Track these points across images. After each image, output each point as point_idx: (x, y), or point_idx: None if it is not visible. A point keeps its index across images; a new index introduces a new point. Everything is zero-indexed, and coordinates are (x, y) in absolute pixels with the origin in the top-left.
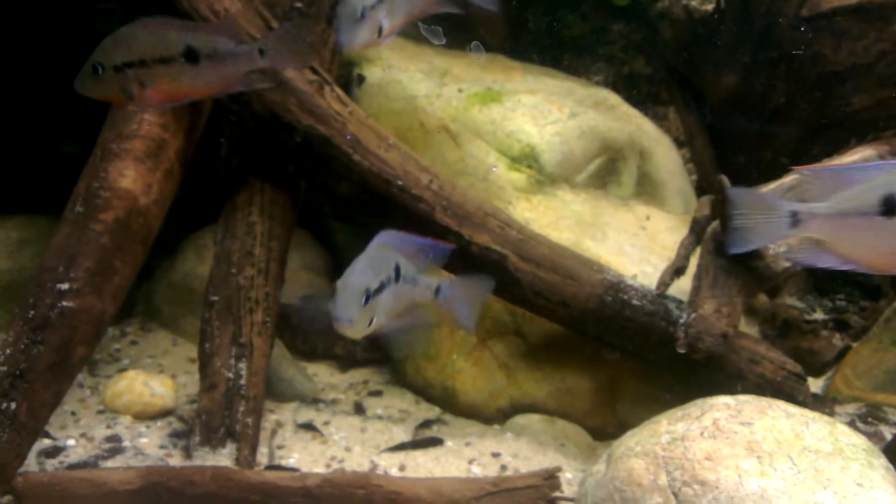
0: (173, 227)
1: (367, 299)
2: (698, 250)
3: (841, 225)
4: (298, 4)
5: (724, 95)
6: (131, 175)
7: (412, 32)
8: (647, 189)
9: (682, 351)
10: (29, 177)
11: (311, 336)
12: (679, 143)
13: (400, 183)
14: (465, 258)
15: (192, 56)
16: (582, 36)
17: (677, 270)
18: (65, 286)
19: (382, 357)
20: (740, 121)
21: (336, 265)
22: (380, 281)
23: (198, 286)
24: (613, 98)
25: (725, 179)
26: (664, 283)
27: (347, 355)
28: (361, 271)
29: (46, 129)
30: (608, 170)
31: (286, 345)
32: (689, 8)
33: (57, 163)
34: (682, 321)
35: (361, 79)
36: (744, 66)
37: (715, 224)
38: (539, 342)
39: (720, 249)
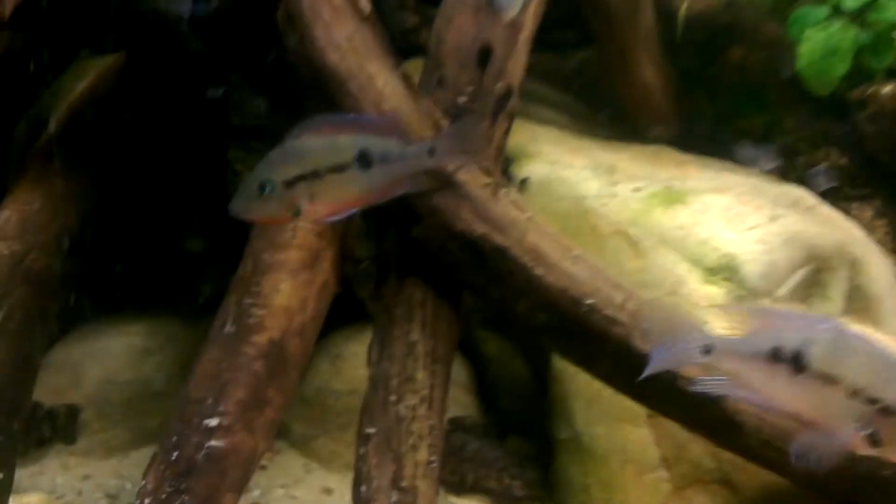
0: None
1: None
2: None
3: (744, 364)
4: (462, 100)
5: None
6: (287, 290)
7: (566, 123)
8: (858, 305)
9: None
10: (150, 276)
11: (461, 464)
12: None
13: (590, 302)
14: (669, 393)
15: (364, 161)
16: (758, 126)
17: None
18: (213, 422)
19: (545, 494)
20: None
21: (482, 378)
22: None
23: (333, 403)
24: (809, 197)
25: None
26: None
27: (503, 490)
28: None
29: (170, 224)
30: (812, 282)
31: None
32: None
33: (180, 261)
34: None
35: (524, 182)
36: None
37: None
38: (755, 497)
39: None
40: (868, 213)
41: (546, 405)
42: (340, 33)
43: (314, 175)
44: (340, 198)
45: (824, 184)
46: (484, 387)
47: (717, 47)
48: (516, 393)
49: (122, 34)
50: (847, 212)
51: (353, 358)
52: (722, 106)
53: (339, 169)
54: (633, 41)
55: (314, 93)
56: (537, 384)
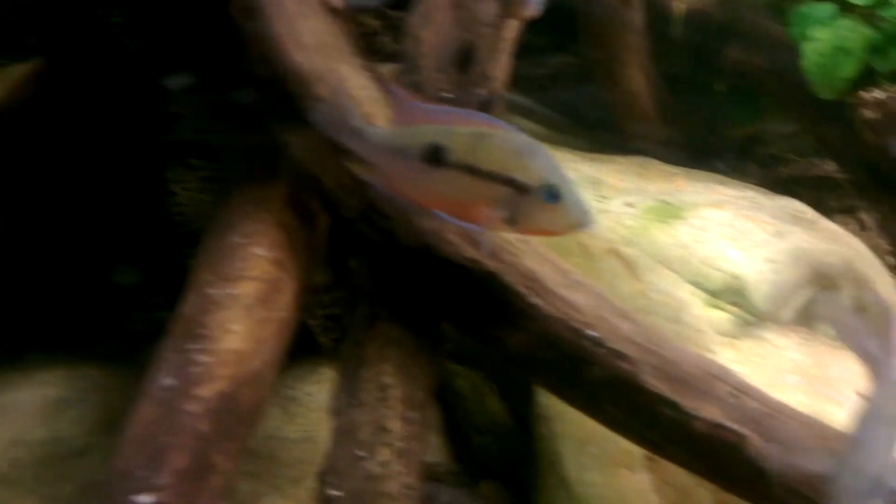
0: None
1: None
2: None
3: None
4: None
5: None
6: (239, 331)
7: (543, 133)
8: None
9: None
10: (68, 313)
11: None
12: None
13: (593, 334)
14: (683, 438)
15: None
16: (744, 133)
17: None
18: (147, 499)
19: None
20: None
21: (452, 418)
22: None
23: (284, 454)
24: (808, 210)
25: None
26: None
27: None
28: None
29: (95, 253)
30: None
31: None
32: None
33: (106, 295)
34: None
35: None
36: None
37: None
38: None
39: None
40: (869, 225)
41: (527, 447)
42: (306, 29)
43: None
44: None
45: None
46: (454, 427)
47: (711, 48)
48: (491, 433)
49: (44, 36)
50: (844, 225)
51: (308, 400)
52: (710, 112)
53: None
54: (623, 44)
55: (276, 99)
56: (515, 424)
